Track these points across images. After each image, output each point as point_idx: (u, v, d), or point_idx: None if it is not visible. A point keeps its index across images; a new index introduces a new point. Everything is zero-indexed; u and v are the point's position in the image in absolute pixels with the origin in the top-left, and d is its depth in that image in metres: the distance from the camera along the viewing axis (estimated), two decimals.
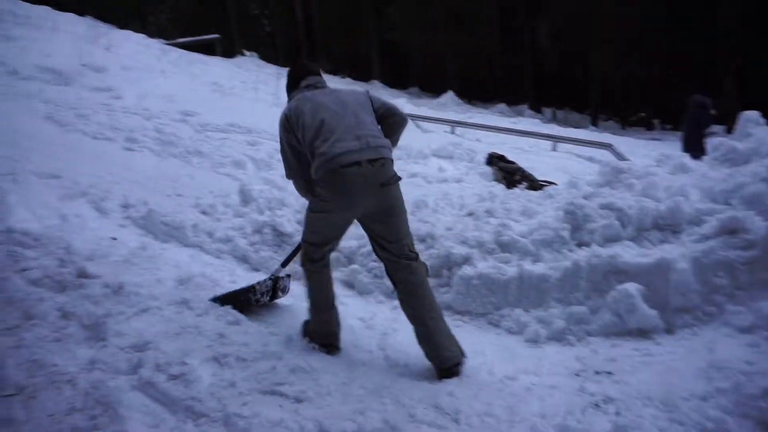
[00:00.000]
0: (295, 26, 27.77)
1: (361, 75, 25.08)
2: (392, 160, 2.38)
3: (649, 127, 22.88)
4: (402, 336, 2.73)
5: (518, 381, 2.30)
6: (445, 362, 2.32)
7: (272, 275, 3.00)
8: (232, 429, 1.97)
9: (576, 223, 2.96)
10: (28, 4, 16.55)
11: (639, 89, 22.40)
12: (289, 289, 3.12)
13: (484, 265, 2.90)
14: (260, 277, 3.24)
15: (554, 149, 10.38)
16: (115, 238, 3.86)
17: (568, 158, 10.29)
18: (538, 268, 2.75)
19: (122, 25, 22.01)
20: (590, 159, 10.25)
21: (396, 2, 24.68)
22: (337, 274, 3.44)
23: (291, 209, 4.13)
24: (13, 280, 2.79)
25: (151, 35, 20.33)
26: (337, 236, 2.49)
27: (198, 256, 3.91)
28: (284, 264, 2.99)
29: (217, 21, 27.49)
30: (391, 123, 2.50)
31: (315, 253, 2.48)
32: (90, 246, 3.56)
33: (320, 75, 2.64)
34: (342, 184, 2.27)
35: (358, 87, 24.23)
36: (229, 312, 2.83)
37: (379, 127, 2.43)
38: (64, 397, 2.03)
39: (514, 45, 24.32)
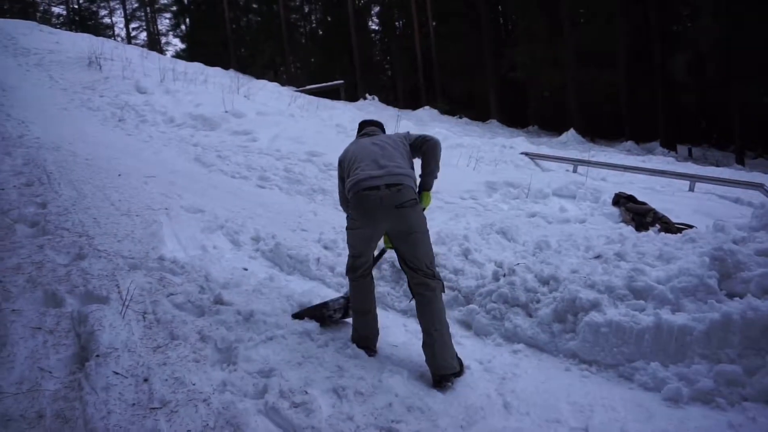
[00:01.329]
0: (415, 70, 28.75)
1: (479, 115, 25.10)
2: (412, 188, 2.73)
3: None
4: (523, 382, 2.60)
5: None
6: (438, 369, 2.58)
7: (345, 294, 3.28)
8: None
9: (725, 270, 2.64)
10: (184, 62, 19.02)
11: None
12: None
13: (614, 312, 2.67)
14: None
15: (691, 189, 9.45)
16: (246, 269, 4.15)
17: (708, 199, 9.31)
18: (680, 319, 2.47)
19: (259, 75, 24.41)
20: (737, 201, 9.18)
21: (520, 43, 24.56)
22: (454, 314, 3.40)
23: None
24: (162, 303, 3.11)
25: (284, 83, 22.29)
26: (365, 249, 2.86)
27: (319, 289, 4.07)
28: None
29: (342, 68, 29.42)
30: (426, 149, 2.91)
31: (353, 264, 2.90)
32: (225, 275, 3.87)
33: (377, 126, 3.21)
34: (364, 204, 2.70)
35: (476, 127, 24.29)
36: (348, 345, 2.92)
37: (417, 158, 2.92)
38: (200, 414, 2.19)
39: (645, 79, 22.92)
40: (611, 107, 23.72)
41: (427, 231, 2.77)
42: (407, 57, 29.89)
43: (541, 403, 2.40)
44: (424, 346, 2.66)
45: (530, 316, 3.04)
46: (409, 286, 2.79)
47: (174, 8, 31.85)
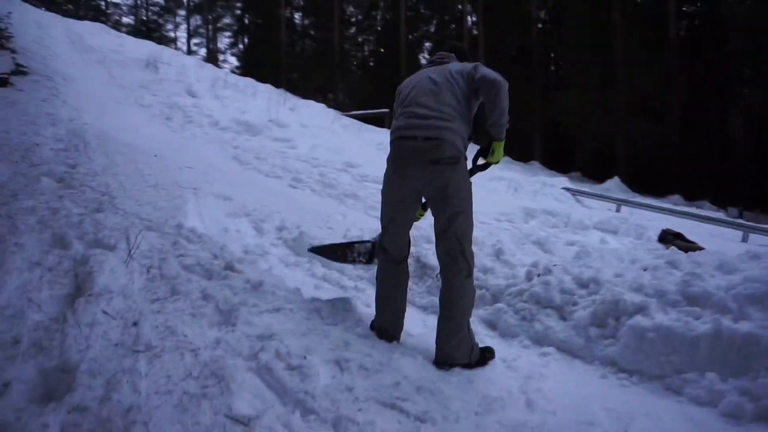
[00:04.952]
0: None
1: (521, 155, 24.78)
2: (456, 145, 2.33)
3: None
4: (551, 383, 2.28)
5: None
6: (438, 355, 2.35)
7: (373, 239, 2.96)
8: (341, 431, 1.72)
9: None
10: (236, 75, 19.59)
11: None
12: None
13: (663, 318, 2.34)
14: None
15: (745, 240, 8.84)
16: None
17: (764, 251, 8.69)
18: (744, 327, 2.13)
19: (307, 98, 24.85)
20: None
21: (570, 87, 24.36)
22: (479, 312, 3.11)
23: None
24: (170, 261, 2.93)
25: (329, 107, 22.58)
26: (396, 212, 2.47)
27: (340, 279, 3.85)
28: None
29: (389, 100, 29.72)
30: (486, 92, 2.36)
31: (383, 240, 2.54)
32: (242, 252, 3.71)
33: (452, 52, 2.70)
34: (397, 153, 2.40)
35: (517, 166, 23.96)
36: (359, 325, 2.66)
37: (470, 107, 2.44)
38: (185, 363, 1.96)
39: (699, 135, 22.26)
40: (660, 161, 23.01)
41: (469, 199, 2.38)
42: None
43: (571, 405, 2.08)
44: (438, 330, 2.39)
45: (564, 319, 2.73)
46: (438, 257, 2.46)
47: (234, 27, 33.15)
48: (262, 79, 21.23)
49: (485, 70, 2.39)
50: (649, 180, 22.84)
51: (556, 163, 25.08)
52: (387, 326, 2.56)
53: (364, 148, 11.11)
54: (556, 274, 2.92)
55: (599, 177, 22.80)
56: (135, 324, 2.18)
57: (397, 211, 2.47)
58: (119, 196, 3.85)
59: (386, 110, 25.33)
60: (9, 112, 5.85)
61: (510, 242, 4.06)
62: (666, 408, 2.06)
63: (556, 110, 24.70)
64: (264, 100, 14.62)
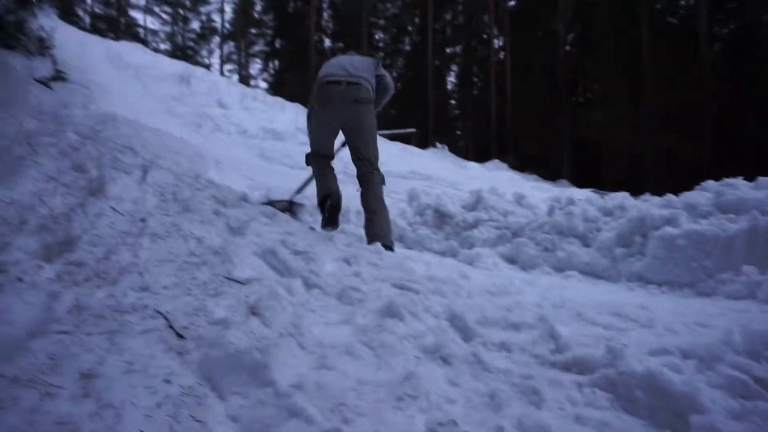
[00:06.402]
0: (489, 126, 28.77)
1: (549, 174, 24.47)
2: (369, 90, 2.99)
3: None
4: (574, 292, 2.14)
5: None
6: (380, 239, 2.76)
7: (289, 199, 3.47)
8: (344, 300, 1.63)
9: None
10: (265, 94, 20.08)
11: None
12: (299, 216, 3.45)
13: (694, 225, 2.19)
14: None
15: None
16: None
17: None
18: None
19: None
20: None
21: (598, 105, 24.14)
22: (499, 249, 2.99)
23: (457, 199, 3.83)
24: (185, 191, 2.91)
25: None
26: (326, 139, 3.13)
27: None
28: (298, 191, 3.55)
29: (417, 121, 29.92)
30: (382, 85, 3.17)
31: (314, 154, 3.20)
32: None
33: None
34: (326, 94, 2.97)
35: (546, 185, 23.67)
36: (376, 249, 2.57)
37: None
38: (188, 245, 1.93)
39: (732, 152, 21.64)
40: (691, 178, 22.39)
41: (376, 132, 3.11)
42: (482, 114, 30.06)
43: (594, 304, 1.94)
44: (368, 225, 2.95)
45: (588, 245, 2.59)
46: (358, 176, 3.10)
47: (266, 49, 34.10)
48: (291, 100, 21.73)
49: (383, 70, 3.22)
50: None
51: (586, 182, 24.65)
52: (333, 211, 3.10)
53: (390, 150, 11.14)
54: (580, 205, 2.79)
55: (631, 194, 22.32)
56: (143, 220, 2.15)
57: (324, 139, 3.15)
58: (141, 151, 3.89)
59: (413, 129, 25.51)
60: (44, 96, 6.06)
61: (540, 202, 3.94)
62: (701, 303, 1.90)
63: (585, 127, 24.40)
64: (292, 113, 14.92)
